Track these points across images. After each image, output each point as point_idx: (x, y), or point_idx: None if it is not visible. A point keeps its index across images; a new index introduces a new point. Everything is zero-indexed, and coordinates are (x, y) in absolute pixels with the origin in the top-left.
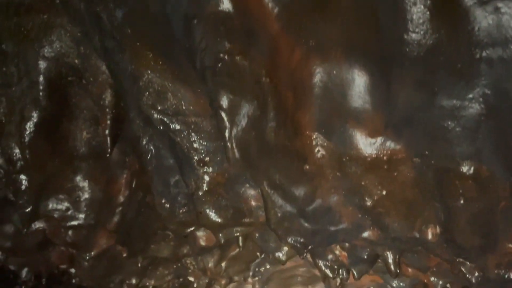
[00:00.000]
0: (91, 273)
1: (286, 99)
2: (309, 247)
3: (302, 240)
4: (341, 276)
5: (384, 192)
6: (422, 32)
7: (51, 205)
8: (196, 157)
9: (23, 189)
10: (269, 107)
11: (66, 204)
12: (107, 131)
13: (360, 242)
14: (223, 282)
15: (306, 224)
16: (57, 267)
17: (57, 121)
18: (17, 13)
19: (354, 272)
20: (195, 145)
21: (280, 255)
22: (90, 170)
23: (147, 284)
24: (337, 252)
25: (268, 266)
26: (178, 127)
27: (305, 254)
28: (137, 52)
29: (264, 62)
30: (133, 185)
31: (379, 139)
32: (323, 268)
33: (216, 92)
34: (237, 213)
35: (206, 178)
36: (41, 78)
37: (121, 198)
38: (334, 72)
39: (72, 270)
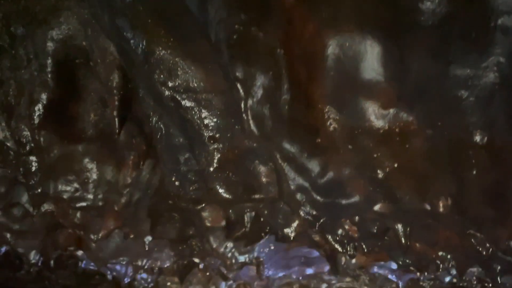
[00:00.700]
0: (98, 255)
1: (300, 71)
2: (321, 220)
3: (314, 212)
4: (349, 252)
5: (396, 165)
6: (437, 1)
7: (60, 187)
8: (206, 134)
9: (33, 170)
10: (283, 79)
11: (75, 185)
12: (115, 113)
13: (371, 215)
14: (228, 262)
15: (318, 197)
16: (65, 249)
17: (66, 103)
18: None
19: (364, 246)
20: (205, 122)
21: (289, 231)
22: (98, 151)
23: (153, 265)
24: (346, 226)
25: (272, 247)
26: (189, 104)
27: (316, 227)
28: (149, 29)
29: (279, 34)
30: (140, 166)
31: (392, 111)
32: (333, 242)
33: (232, 63)
34: (247, 189)
35: (217, 154)
36: (49, 61)
37: (129, 179)
38: (347, 44)
39: (80, 253)
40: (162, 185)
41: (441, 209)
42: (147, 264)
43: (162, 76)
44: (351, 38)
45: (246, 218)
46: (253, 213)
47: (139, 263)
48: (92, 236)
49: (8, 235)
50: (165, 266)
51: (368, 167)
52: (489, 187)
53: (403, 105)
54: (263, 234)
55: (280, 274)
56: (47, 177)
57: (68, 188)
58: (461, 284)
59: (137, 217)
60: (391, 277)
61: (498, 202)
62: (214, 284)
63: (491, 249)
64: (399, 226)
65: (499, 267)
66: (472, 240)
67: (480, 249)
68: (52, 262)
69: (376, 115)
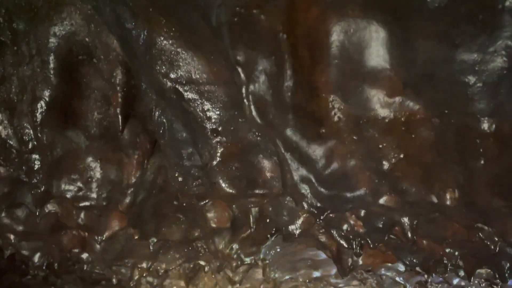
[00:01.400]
0: (103, 257)
1: (303, 58)
2: (326, 213)
3: (318, 205)
4: (354, 250)
5: (401, 155)
6: None
7: (64, 186)
8: (209, 127)
9: (35, 169)
10: (286, 65)
11: (78, 184)
12: (118, 110)
13: (377, 209)
14: (234, 264)
15: (322, 189)
16: (69, 251)
17: (69, 100)
18: None
19: (370, 242)
20: (208, 114)
21: (294, 228)
22: (102, 150)
23: (158, 268)
24: (352, 221)
25: (278, 249)
26: (191, 96)
27: (321, 220)
28: (150, 18)
29: (281, 18)
30: (145, 166)
31: (398, 99)
32: (338, 238)
33: (233, 47)
34: (251, 183)
35: (220, 148)
36: (52, 57)
37: (133, 179)
38: (351, 30)
39: (84, 255)
40: (167, 185)
41: (448, 202)
42: (152, 266)
43: (164, 67)
44: (355, 24)
45: (251, 218)
46: (258, 212)
47: (144, 265)
48: (96, 237)
49: (12, 237)
50: (171, 269)
51: (374, 158)
52: (498, 176)
53: (409, 93)
54: (269, 236)
55: (287, 277)
56: (50, 176)
57: (72, 187)
58: None
59: (142, 218)
60: (399, 279)
61: (507, 193)
62: None
63: (499, 243)
64: (405, 220)
65: (508, 265)
66: (480, 234)
67: (488, 243)
68: (56, 265)
69: (381, 104)
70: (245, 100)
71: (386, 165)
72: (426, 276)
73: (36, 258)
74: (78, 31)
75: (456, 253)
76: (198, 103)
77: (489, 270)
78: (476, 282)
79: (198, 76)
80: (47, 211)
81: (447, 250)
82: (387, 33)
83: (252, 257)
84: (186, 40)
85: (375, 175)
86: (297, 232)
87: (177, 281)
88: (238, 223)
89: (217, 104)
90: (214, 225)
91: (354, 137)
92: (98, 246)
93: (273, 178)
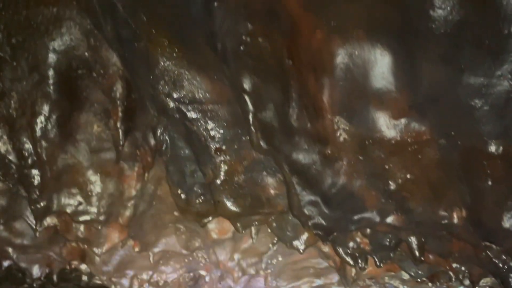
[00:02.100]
0: (102, 268)
1: (308, 81)
2: (333, 234)
3: (325, 225)
4: (359, 265)
5: (408, 176)
6: (448, 8)
7: (64, 200)
8: (213, 146)
9: (35, 184)
10: (291, 90)
11: (78, 198)
12: (118, 124)
13: (384, 228)
14: (236, 275)
15: (328, 210)
16: (68, 263)
17: (68, 114)
18: (26, 6)
19: (376, 259)
20: (212, 133)
21: (298, 244)
22: (101, 163)
23: (159, 279)
24: (358, 239)
25: (280, 258)
26: (194, 115)
27: (328, 241)
28: (153, 39)
29: (286, 44)
30: (145, 178)
31: (403, 121)
32: (344, 256)
33: (239, 75)
34: (255, 201)
35: (224, 166)
36: (51, 72)
37: (133, 192)
38: (356, 52)
39: (83, 267)
40: (167, 196)
41: (455, 221)
42: (152, 278)
43: (166, 87)
44: (360, 47)
45: (253, 230)
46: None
47: (144, 276)
48: (96, 250)
49: (10, 250)
50: (171, 279)
51: (380, 179)
52: (506, 196)
53: (414, 115)
54: (270, 246)
55: (289, 286)
56: (50, 191)
57: (72, 202)
58: None
59: (142, 229)
60: None
61: None
62: None
63: (507, 262)
64: (412, 239)
65: None
66: (488, 252)
67: (496, 261)
68: (55, 276)
69: (387, 125)
70: (252, 128)
71: (392, 185)
72: (430, 284)
73: (34, 270)
74: (78, 45)
75: (463, 268)
76: (202, 122)
77: (494, 279)
78: None
79: (201, 96)
80: (46, 224)
81: (454, 265)
82: (392, 56)
83: (254, 267)
84: (189, 60)
85: (382, 195)
86: (302, 248)
87: None
88: (240, 234)
89: (220, 123)
90: (215, 236)
91: (360, 157)
92: (97, 258)
93: (277, 196)
